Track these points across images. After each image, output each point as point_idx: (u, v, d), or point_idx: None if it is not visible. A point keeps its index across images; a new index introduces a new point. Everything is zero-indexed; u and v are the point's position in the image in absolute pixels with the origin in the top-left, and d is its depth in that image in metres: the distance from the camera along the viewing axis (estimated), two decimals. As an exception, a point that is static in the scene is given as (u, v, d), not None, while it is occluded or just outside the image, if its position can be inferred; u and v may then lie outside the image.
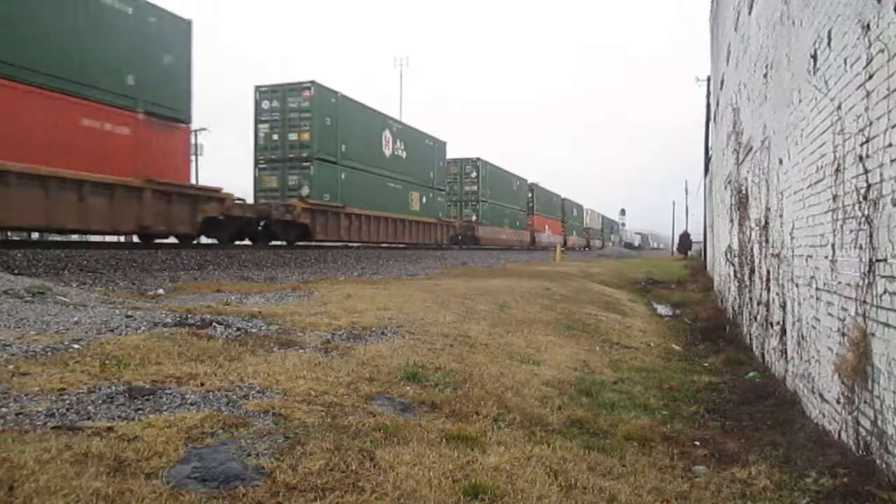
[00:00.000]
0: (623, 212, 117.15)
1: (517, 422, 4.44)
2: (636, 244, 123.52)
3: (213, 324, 6.01)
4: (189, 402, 3.65)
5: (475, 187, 39.91)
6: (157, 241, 16.50)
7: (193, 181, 22.25)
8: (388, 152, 27.34)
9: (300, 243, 21.91)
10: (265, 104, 21.95)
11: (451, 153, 36.23)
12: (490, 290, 12.87)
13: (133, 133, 13.90)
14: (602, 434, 4.62)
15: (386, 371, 5.13)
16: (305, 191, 21.37)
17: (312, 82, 21.68)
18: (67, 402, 3.39)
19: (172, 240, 16.85)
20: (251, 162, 22.36)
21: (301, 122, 21.56)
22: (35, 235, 17.26)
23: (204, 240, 18.10)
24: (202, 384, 4.03)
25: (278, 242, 21.24)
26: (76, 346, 4.58)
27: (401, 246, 30.03)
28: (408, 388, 4.78)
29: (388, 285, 12.79)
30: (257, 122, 22.06)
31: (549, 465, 3.62)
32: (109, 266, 12.28)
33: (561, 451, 3.93)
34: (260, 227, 20.35)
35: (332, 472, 2.95)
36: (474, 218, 39.37)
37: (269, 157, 21.93)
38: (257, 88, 22.14)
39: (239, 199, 19.26)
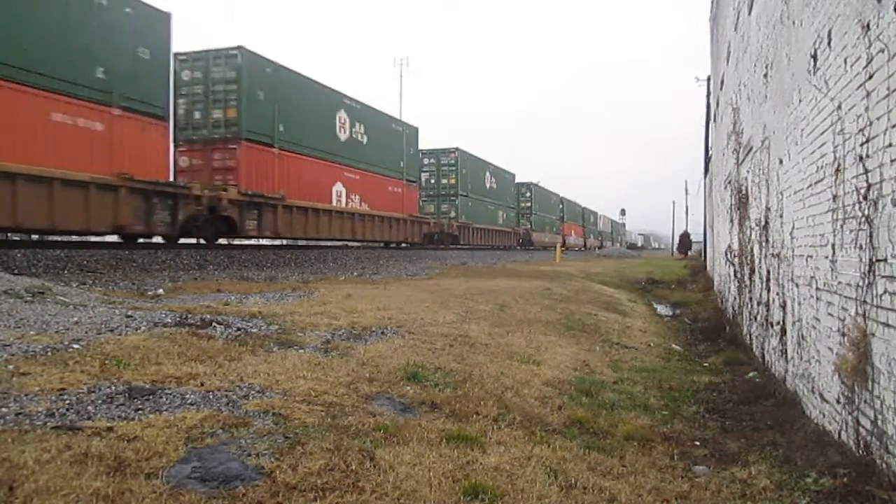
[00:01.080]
0: (623, 212, 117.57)
1: (517, 422, 4.44)
2: (640, 244, 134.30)
3: (213, 324, 6.01)
4: (189, 402, 3.65)
5: (529, 204, 55.26)
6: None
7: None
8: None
9: (292, 244, 20.68)
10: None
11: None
12: (490, 289, 12.87)
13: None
14: (602, 434, 4.62)
15: (386, 371, 5.13)
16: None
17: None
18: (67, 402, 3.39)
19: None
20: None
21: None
22: (35, 236, 17.25)
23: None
24: (202, 384, 4.03)
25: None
26: (76, 346, 4.58)
27: (403, 246, 29.50)
28: (408, 388, 4.78)
29: (388, 285, 12.79)
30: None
31: (549, 465, 3.62)
32: (109, 266, 12.28)
33: (561, 451, 3.93)
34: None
35: (332, 472, 2.95)
36: (529, 226, 54.02)
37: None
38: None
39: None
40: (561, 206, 66.77)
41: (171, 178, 16.55)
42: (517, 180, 50.57)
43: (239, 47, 18.17)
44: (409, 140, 29.50)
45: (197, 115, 18.34)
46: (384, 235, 26.93)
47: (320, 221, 21.70)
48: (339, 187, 23.12)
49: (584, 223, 79.07)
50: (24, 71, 11.58)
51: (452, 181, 36.45)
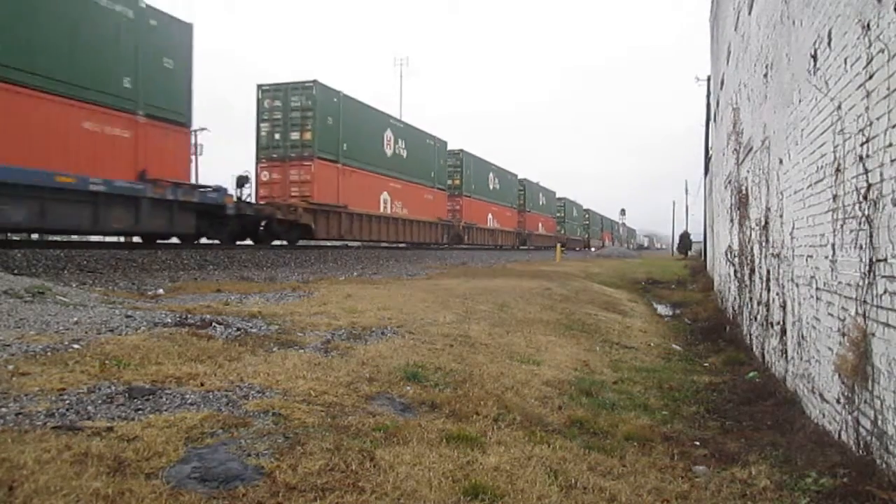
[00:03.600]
0: (623, 212, 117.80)
1: (517, 422, 4.44)
2: (645, 245, 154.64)
3: (213, 324, 6.01)
4: (189, 402, 3.65)
5: (562, 214, 61.99)
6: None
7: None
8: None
9: (300, 243, 21.89)
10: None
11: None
12: (490, 289, 12.87)
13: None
14: (602, 434, 4.62)
15: (386, 371, 5.12)
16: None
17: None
18: (67, 402, 3.38)
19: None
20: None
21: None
22: (35, 236, 17.27)
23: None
24: (202, 384, 4.03)
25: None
26: (76, 346, 4.58)
27: (401, 246, 30.06)
28: (408, 388, 4.78)
29: (389, 285, 12.79)
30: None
31: (549, 465, 3.62)
32: (109, 266, 12.28)
33: (561, 451, 3.93)
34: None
35: (332, 472, 2.94)
36: (563, 232, 61.38)
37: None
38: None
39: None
40: (586, 216, 79.42)
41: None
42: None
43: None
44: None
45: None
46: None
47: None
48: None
49: (613, 230, 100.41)
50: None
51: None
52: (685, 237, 59.93)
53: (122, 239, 18.25)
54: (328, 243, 24.56)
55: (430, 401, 4.54)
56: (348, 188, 23.47)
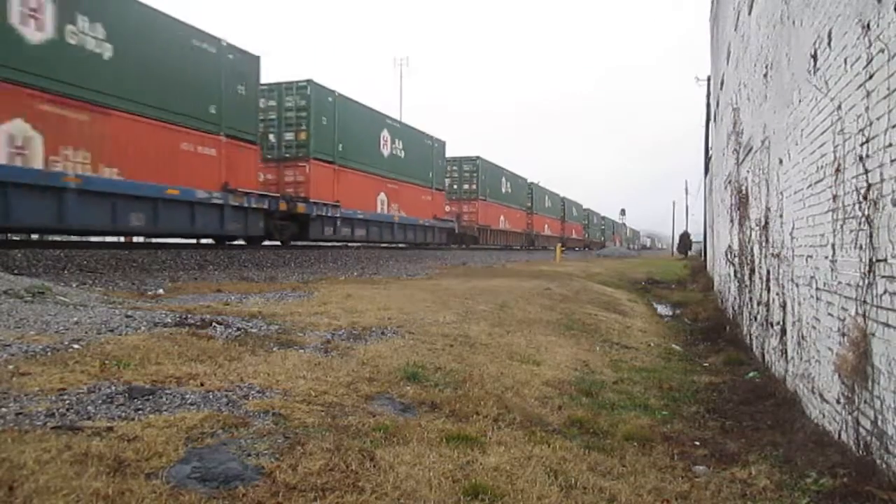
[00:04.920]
0: (623, 212, 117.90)
1: (517, 422, 4.44)
2: (648, 245, 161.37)
3: (213, 324, 6.01)
4: (189, 402, 3.65)
5: (585, 221, 66.00)
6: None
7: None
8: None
9: (300, 243, 21.84)
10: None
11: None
12: (490, 289, 12.87)
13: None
14: (602, 434, 4.62)
15: (386, 371, 5.13)
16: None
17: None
18: (67, 402, 3.38)
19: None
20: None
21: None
22: (35, 236, 17.29)
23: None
24: (202, 384, 4.03)
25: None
26: (76, 346, 4.58)
27: (401, 246, 30.07)
28: (408, 388, 4.78)
29: (389, 285, 12.79)
30: None
31: (549, 465, 3.62)
32: (109, 266, 12.28)
33: (561, 451, 3.93)
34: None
35: (332, 472, 2.94)
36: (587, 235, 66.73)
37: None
38: None
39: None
40: (603, 222, 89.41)
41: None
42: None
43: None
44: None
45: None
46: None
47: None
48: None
49: (625, 233, 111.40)
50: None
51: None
52: (685, 237, 59.95)
53: (121, 239, 18.31)
54: (328, 243, 24.53)
55: (430, 401, 4.54)
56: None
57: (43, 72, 11.66)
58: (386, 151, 26.99)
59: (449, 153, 35.25)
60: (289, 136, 21.44)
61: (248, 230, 17.67)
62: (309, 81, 21.42)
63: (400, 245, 29.98)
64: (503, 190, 43.80)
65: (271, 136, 21.52)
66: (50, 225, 12.75)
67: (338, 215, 22.76)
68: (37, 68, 11.55)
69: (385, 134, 26.95)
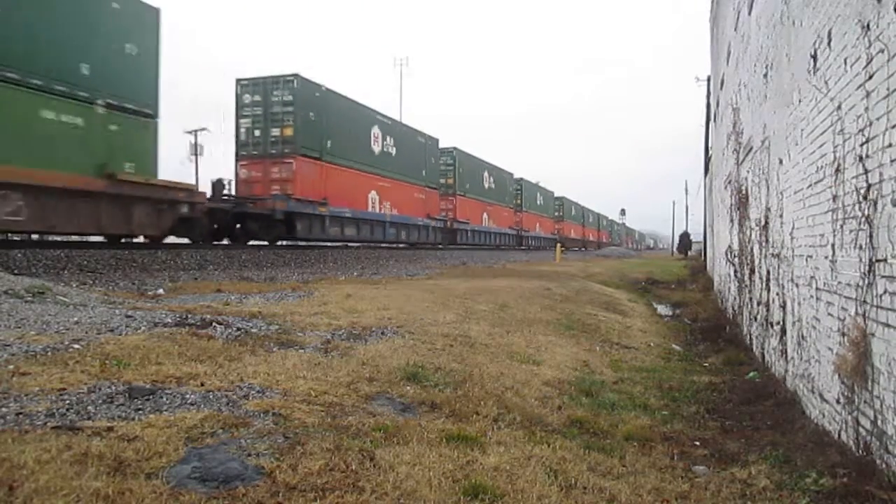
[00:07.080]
0: (623, 212, 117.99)
1: (517, 422, 4.44)
2: (651, 245, 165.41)
3: (213, 324, 6.01)
4: (189, 402, 3.65)
5: (604, 224, 69.86)
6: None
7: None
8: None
9: (300, 243, 21.76)
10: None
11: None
12: (490, 289, 12.87)
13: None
14: (602, 434, 4.62)
15: (386, 371, 5.13)
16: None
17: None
18: (67, 402, 3.38)
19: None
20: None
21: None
22: (35, 236, 17.27)
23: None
24: (202, 384, 4.03)
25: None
26: (76, 346, 4.58)
27: (401, 246, 30.00)
28: (408, 388, 4.78)
29: (388, 285, 12.79)
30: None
31: (549, 465, 3.62)
32: (109, 266, 12.28)
33: (561, 451, 3.93)
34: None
35: (332, 472, 2.95)
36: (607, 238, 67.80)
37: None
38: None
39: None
40: (616, 226, 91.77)
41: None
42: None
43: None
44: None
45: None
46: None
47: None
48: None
49: (635, 234, 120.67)
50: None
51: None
52: (685, 237, 59.92)
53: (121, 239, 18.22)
54: (328, 244, 24.47)
55: (430, 401, 4.54)
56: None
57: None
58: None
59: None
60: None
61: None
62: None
63: (399, 245, 29.85)
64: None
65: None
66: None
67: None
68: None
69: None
